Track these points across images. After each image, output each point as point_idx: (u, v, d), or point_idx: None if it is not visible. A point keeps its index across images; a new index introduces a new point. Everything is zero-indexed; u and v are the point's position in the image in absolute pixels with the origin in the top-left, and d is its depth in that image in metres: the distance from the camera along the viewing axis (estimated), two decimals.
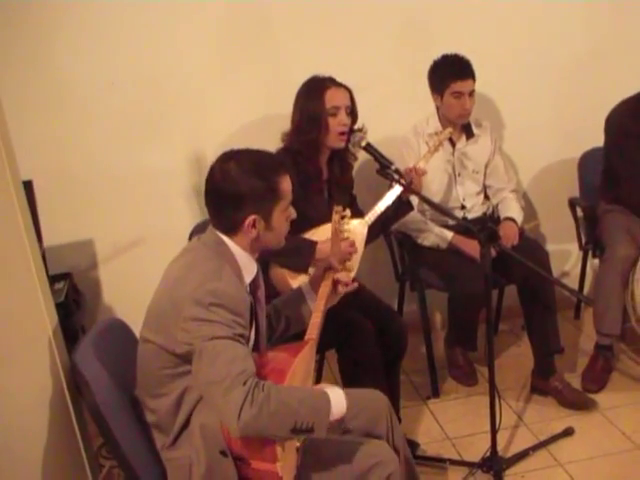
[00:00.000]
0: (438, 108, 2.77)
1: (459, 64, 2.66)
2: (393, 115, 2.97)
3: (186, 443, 1.61)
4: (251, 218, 1.59)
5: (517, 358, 3.03)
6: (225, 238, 1.63)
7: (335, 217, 2.04)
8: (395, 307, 3.05)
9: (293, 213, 1.69)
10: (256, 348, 1.73)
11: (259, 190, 1.57)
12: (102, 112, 2.79)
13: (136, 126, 2.83)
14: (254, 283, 1.72)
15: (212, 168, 1.62)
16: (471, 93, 2.68)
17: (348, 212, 2.06)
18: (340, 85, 2.37)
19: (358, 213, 2.45)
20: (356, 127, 2.38)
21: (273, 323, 1.89)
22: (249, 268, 1.67)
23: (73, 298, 2.58)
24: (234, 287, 1.56)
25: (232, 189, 1.57)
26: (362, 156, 2.50)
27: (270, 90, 2.89)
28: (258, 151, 1.63)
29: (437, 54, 2.72)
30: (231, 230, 1.62)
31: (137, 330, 1.73)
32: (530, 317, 2.71)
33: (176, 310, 1.52)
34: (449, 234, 2.73)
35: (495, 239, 1.96)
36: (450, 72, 2.66)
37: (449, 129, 2.64)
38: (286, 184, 1.62)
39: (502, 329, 3.32)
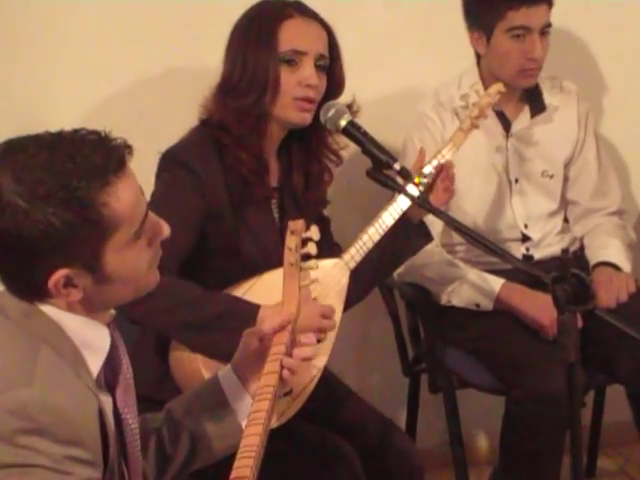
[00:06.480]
0: (480, 58, 2.71)
1: None
2: (398, 71, 2.96)
3: None
4: (58, 276, 1.49)
5: None
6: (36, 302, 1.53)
7: (290, 241, 1.92)
8: (402, 424, 2.99)
9: (166, 229, 1.59)
10: None
11: (62, 229, 1.46)
12: None
13: None
14: (110, 367, 1.62)
15: None
16: (544, 30, 2.58)
17: (315, 232, 1.94)
18: (311, 15, 2.30)
19: (332, 248, 2.41)
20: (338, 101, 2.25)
21: (167, 448, 1.81)
22: (94, 342, 1.59)
23: None
24: (64, 388, 1.48)
25: (7, 229, 1.45)
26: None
27: (187, 28, 2.84)
28: (53, 144, 1.48)
29: None
30: (34, 296, 1.53)
31: None
32: None
33: None
34: (496, 282, 2.66)
35: (587, 298, 1.80)
36: None
37: (498, 85, 2.49)
38: (124, 195, 1.50)
39: (603, 467, 3.21)
